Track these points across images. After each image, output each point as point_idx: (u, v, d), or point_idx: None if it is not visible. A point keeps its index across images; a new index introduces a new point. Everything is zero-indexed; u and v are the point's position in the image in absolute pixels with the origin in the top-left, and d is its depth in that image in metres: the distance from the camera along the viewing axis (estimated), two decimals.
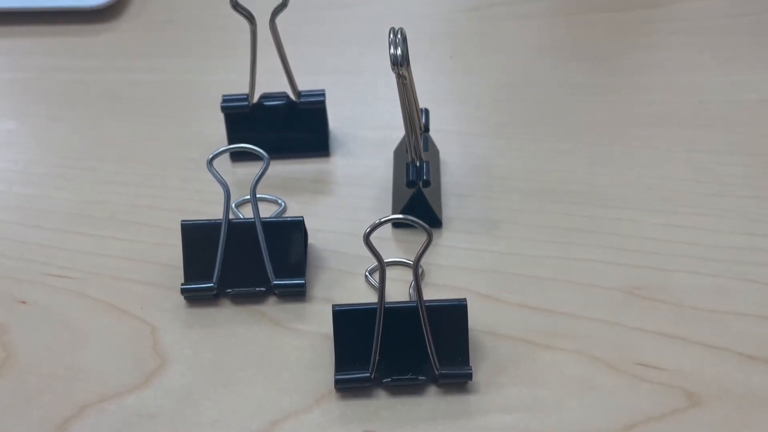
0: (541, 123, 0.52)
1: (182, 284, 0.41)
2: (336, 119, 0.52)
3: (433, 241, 0.34)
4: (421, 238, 0.34)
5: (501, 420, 0.36)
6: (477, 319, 0.39)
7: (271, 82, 0.49)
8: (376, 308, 0.36)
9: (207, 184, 0.45)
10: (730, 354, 0.38)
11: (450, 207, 0.46)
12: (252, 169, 0.49)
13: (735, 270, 0.42)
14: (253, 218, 0.41)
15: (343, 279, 0.43)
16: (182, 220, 0.42)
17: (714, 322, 0.40)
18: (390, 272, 0.41)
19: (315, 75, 0.54)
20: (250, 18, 0.45)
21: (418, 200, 0.44)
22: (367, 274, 0.43)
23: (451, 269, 0.43)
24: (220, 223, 0.41)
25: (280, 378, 0.38)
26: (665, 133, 0.51)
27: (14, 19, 0.63)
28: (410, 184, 0.43)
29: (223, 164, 0.49)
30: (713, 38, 0.59)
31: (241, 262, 0.41)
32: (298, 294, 0.42)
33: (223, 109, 0.49)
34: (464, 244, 0.44)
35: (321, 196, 0.48)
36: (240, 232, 0.41)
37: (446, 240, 0.45)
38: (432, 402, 0.37)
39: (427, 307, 0.36)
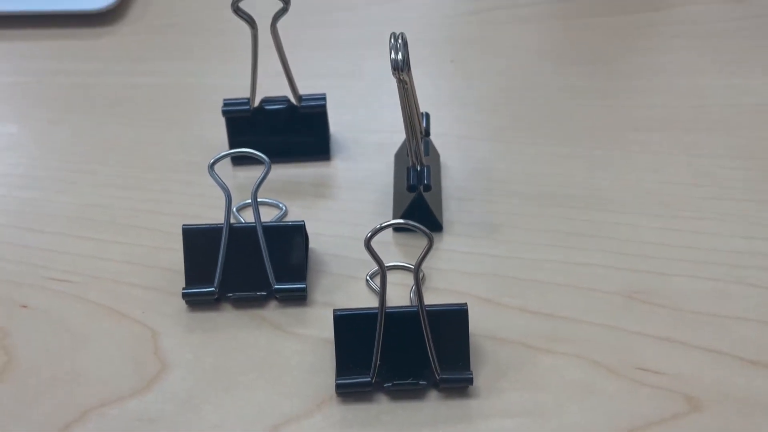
0: (541, 127, 0.52)
1: (183, 288, 0.41)
2: (337, 123, 0.52)
3: (434, 245, 0.34)
4: (421, 242, 0.34)
5: (502, 424, 0.36)
6: (477, 323, 0.39)
7: (272, 85, 0.49)
8: (377, 313, 0.36)
9: (208, 188, 0.45)
10: (730, 358, 0.38)
11: (450, 211, 0.46)
12: (253, 172, 0.49)
13: (735, 274, 0.42)
14: (254, 222, 0.41)
15: (344, 283, 0.43)
16: (183, 225, 0.42)
17: (714, 327, 0.40)
18: (391, 276, 0.41)
19: (316, 79, 0.55)
20: (251, 22, 0.46)
21: (418, 204, 0.44)
22: (368, 278, 0.43)
23: (452, 273, 0.43)
24: (222, 227, 0.41)
25: (281, 382, 0.38)
26: (665, 137, 0.51)
27: (15, 23, 0.63)
28: (411, 188, 0.43)
29: (224, 168, 0.49)
30: (713, 42, 0.59)
31: (242, 266, 0.41)
32: (299, 298, 0.42)
33: (224, 113, 0.49)
34: (465, 248, 0.44)
35: (322, 200, 0.48)
36: (241, 236, 0.42)
37: (447, 244, 0.45)
38: (433, 407, 0.37)
39: (427, 311, 0.36)
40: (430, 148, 0.48)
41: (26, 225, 0.47)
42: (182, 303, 0.41)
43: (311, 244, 0.44)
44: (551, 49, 0.60)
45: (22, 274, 0.44)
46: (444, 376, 0.37)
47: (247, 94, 0.49)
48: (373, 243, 0.34)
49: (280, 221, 0.46)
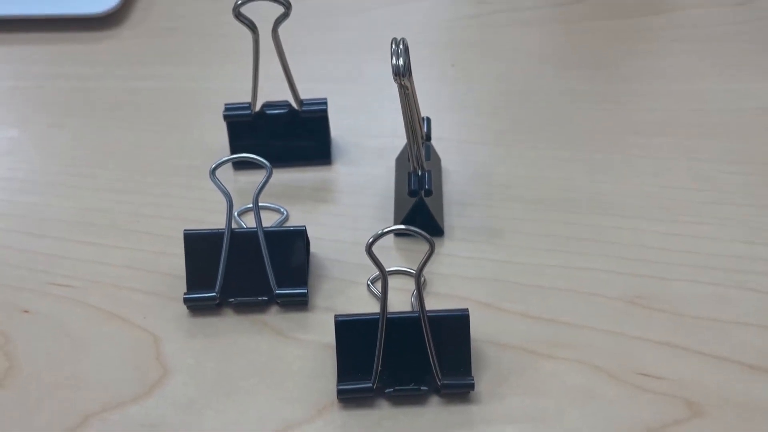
0: (542, 131, 0.52)
1: (185, 294, 0.41)
2: (338, 127, 0.52)
3: (435, 250, 0.34)
4: (422, 247, 0.34)
5: (503, 430, 0.36)
6: (479, 328, 0.39)
7: (273, 89, 0.49)
8: (378, 318, 0.36)
9: (209, 193, 0.45)
10: (731, 364, 0.38)
11: (451, 215, 0.47)
12: (254, 177, 0.49)
13: (735, 279, 0.42)
14: (256, 227, 0.41)
15: (345, 288, 0.43)
16: (185, 230, 0.42)
17: (715, 332, 0.40)
18: (392, 281, 0.41)
19: (316, 83, 0.55)
20: (252, 27, 0.46)
21: (420, 209, 0.44)
22: (369, 283, 0.43)
23: (453, 278, 0.43)
24: (223, 232, 0.41)
25: (283, 388, 0.38)
26: (665, 141, 0.51)
27: (16, 27, 0.63)
28: (412, 193, 0.43)
29: (226, 172, 0.49)
30: (714, 46, 0.59)
31: (243, 271, 0.41)
32: (300, 303, 0.42)
33: (226, 117, 0.49)
34: (466, 252, 0.44)
35: (323, 205, 0.48)
36: (242, 241, 0.42)
37: (448, 249, 0.45)
38: (434, 412, 0.37)
39: (429, 317, 0.36)
40: (431, 153, 0.48)
41: (27, 230, 0.47)
42: (183, 308, 0.42)
43: (312, 249, 0.44)
44: (552, 53, 0.60)
45: (23, 279, 0.44)
46: (445, 382, 0.37)
47: (248, 97, 0.49)
48: (374, 248, 0.34)
49: (282, 226, 0.46)
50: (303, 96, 0.49)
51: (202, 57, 0.61)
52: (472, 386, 0.37)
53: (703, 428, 0.36)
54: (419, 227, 0.35)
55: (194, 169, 0.50)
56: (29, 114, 0.56)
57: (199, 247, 0.42)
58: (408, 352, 0.37)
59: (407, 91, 0.40)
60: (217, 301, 0.41)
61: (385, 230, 0.34)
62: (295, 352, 0.40)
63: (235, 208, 0.44)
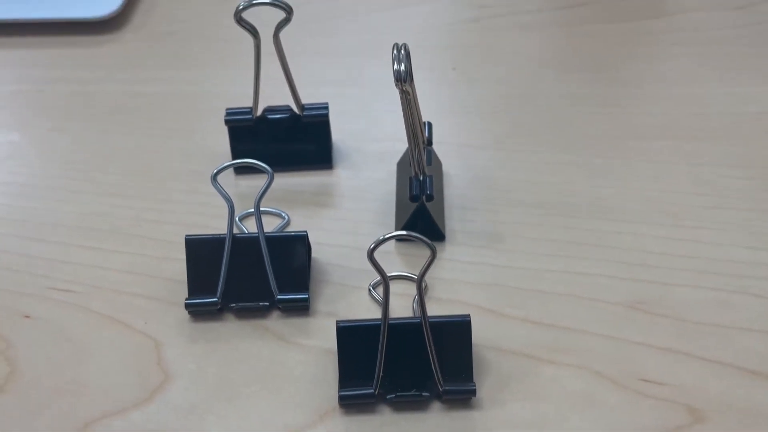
0: (543, 134, 0.52)
1: (186, 299, 0.41)
2: (339, 131, 0.52)
3: (436, 255, 0.34)
4: (424, 252, 0.34)
5: None
6: (480, 333, 0.39)
7: (274, 93, 0.49)
8: (379, 324, 0.36)
9: (210, 197, 0.45)
10: (733, 369, 0.38)
11: (453, 220, 0.47)
12: (255, 181, 0.49)
13: (737, 284, 0.42)
14: (257, 233, 0.41)
15: (347, 293, 0.43)
16: (186, 235, 0.42)
17: (717, 337, 0.40)
18: (393, 286, 0.41)
19: (317, 87, 0.55)
20: (253, 32, 0.46)
21: (421, 214, 0.44)
22: (370, 288, 0.43)
23: (454, 283, 0.43)
24: (224, 238, 0.41)
25: (284, 393, 0.38)
26: (666, 146, 0.51)
27: (17, 31, 0.63)
28: (413, 198, 0.43)
29: (227, 177, 0.49)
30: (714, 49, 0.59)
31: (244, 276, 0.41)
32: (301, 308, 0.42)
33: (227, 122, 0.49)
34: (467, 257, 0.44)
35: (324, 209, 0.48)
36: (244, 246, 0.42)
37: (449, 254, 0.45)
38: (436, 418, 0.37)
39: (430, 323, 0.36)
40: (432, 158, 0.48)
41: (28, 234, 0.47)
42: (185, 313, 0.42)
43: (313, 254, 0.44)
44: (552, 57, 0.60)
45: (24, 284, 0.44)
46: (447, 388, 0.37)
47: (249, 101, 0.49)
48: (376, 253, 0.34)
49: (283, 231, 0.46)
50: (304, 100, 0.49)
51: (204, 61, 0.61)
52: (473, 392, 0.37)
53: None
54: (420, 232, 0.35)
55: (195, 173, 0.50)
56: (30, 118, 0.56)
57: (201, 253, 0.42)
58: (409, 358, 0.37)
59: (409, 97, 0.40)
60: (219, 307, 0.41)
61: (387, 236, 0.34)
62: (296, 357, 0.40)
63: (236, 212, 0.44)
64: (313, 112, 0.49)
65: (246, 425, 0.37)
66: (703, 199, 0.47)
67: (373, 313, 0.42)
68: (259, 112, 0.49)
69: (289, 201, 0.48)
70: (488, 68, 0.59)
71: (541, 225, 0.46)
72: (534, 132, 0.53)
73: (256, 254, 0.41)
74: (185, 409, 0.38)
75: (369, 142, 0.52)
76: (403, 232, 0.35)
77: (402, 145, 0.47)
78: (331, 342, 0.38)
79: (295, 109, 0.49)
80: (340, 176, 0.50)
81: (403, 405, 0.37)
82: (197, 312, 0.41)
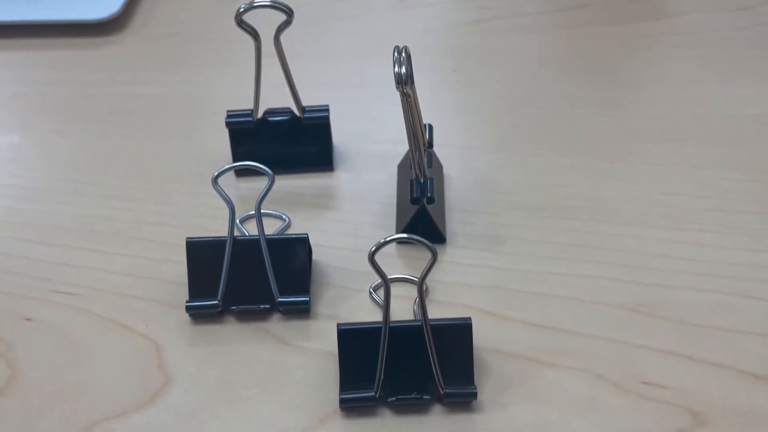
0: (543, 137, 0.52)
1: (187, 302, 0.41)
2: (339, 133, 0.52)
3: (437, 258, 0.34)
4: (424, 254, 0.34)
5: None
6: (481, 336, 0.39)
7: (275, 94, 0.49)
8: (380, 327, 0.36)
9: (211, 199, 0.45)
10: (735, 372, 0.38)
11: (453, 222, 0.46)
12: (256, 183, 0.49)
13: (739, 287, 0.42)
14: (258, 235, 0.41)
15: (348, 295, 0.43)
16: (187, 238, 0.42)
17: (718, 340, 0.40)
18: (394, 289, 0.41)
19: (318, 88, 0.55)
20: (254, 35, 0.46)
21: (422, 217, 0.44)
22: (371, 290, 0.43)
23: (455, 286, 0.43)
24: (225, 240, 0.41)
25: (285, 396, 0.38)
26: (667, 148, 0.51)
27: (17, 32, 0.63)
28: (414, 201, 0.43)
29: (228, 179, 0.49)
30: (715, 51, 0.59)
31: (245, 279, 0.41)
32: (302, 311, 0.42)
33: (228, 124, 0.49)
34: (468, 260, 0.44)
35: (325, 212, 0.48)
36: (245, 249, 0.42)
37: (450, 256, 0.45)
38: (437, 421, 0.37)
39: (431, 326, 0.36)
40: (433, 160, 0.48)
41: (29, 237, 0.47)
42: (186, 316, 0.42)
43: (314, 256, 0.44)
44: (553, 59, 0.60)
45: (26, 286, 0.44)
46: (448, 391, 0.37)
47: (249, 103, 0.49)
48: (377, 256, 0.34)
49: (284, 234, 0.46)
50: (304, 101, 0.49)
51: (204, 62, 0.61)
52: (474, 395, 0.37)
53: None
54: (421, 234, 0.35)
55: (196, 175, 0.50)
56: (31, 120, 0.56)
57: (202, 255, 0.41)
58: (410, 361, 0.37)
59: (410, 100, 0.40)
60: (220, 309, 0.41)
61: (388, 239, 0.34)
62: (297, 360, 0.40)
63: (237, 215, 0.44)
64: (314, 114, 0.49)
65: (247, 428, 0.37)
66: (704, 201, 0.47)
67: (374, 315, 0.42)
68: (259, 114, 0.49)
69: (289, 203, 0.48)
70: (489, 70, 0.59)
71: (542, 228, 0.46)
72: (535, 134, 0.53)
73: (256, 257, 0.41)
74: (186, 412, 0.38)
75: (370, 144, 0.52)
76: (404, 235, 0.35)
77: (403, 147, 0.47)
78: (332, 345, 0.38)
79: (296, 111, 0.49)
80: (341, 178, 0.50)
81: (404, 408, 0.37)
82: (198, 315, 0.41)
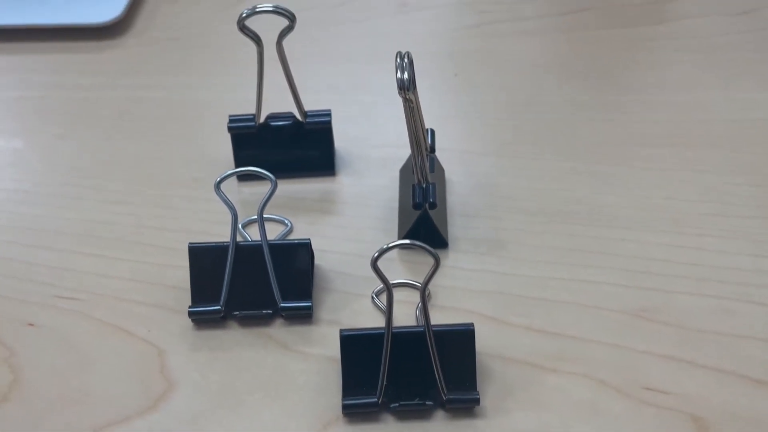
0: (545, 141, 0.52)
1: (189, 307, 0.41)
2: (341, 137, 0.52)
3: (439, 263, 0.34)
4: (427, 259, 0.34)
5: None
6: (483, 341, 0.39)
7: (276, 99, 0.49)
8: (383, 333, 0.36)
9: (213, 204, 0.45)
10: (736, 378, 0.38)
11: (455, 227, 0.46)
12: (258, 188, 0.49)
13: (740, 292, 0.42)
14: (260, 240, 0.41)
15: (350, 300, 0.43)
16: (189, 243, 0.42)
17: (720, 346, 0.40)
18: (396, 293, 0.40)
19: (320, 93, 0.55)
20: (256, 40, 0.46)
21: (424, 222, 0.44)
22: (373, 295, 0.43)
23: (457, 291, 0.43)
24: (228, 245, 0.41)
25: (288, 402, 0.38)
26: (669, 152, 0.51)
27: (19, 36, 0.63)
28: (417, 206, 0.43)
29: (230, 183, 0.49)
30: (717, 55, 0.59)
31: (248, 284, 0.41)
32: (304, 316, 0.42)
33: (230, 129, 0.49)
34: (470, 265, 0.44)
35: (327, 216, 0.48)
36: (247, 254, 0.42)
37: (452, 261, 0.45)
38: (439, 427, 0.37)
39: (434, 332, 0.36)
40: (435, 165, 0.48)
41: (31, 242, 0.47)
42: (188, 321, 0.42)
43: (316, 261, 0.44)
44: (554, 63, 0.60)
45: (28, 291, 0.44)
46: (451, 397, 0.37)
47: (251, 106, 0.49)
48: (379, 261, 0.34)
49: (286, 239, 0.46)
50: (306, 106, 0.49)
51: (206, 66, 0.61)
52: (477, 401, 0.37)
53: None
54: (423, 239, 0.35)
55: (198, 180, 0.50)
56: (33, 124, 0.56)
57: (204, 260, 0.42)
58: (413, 367, 0.37)
59: (412, 105, 0.40)
60: (222, 314, 0.41)
61: (390, 245, 0.34)
62: (299, 365, 0.40)
63: (239, 219, 0.44)
64: (316, 119, 0.49)
65: None
66: (706, 206, 0.47)
67: (376, 320, 0.42)
68: (261, 119, 0.49)
69: (291, 208, 0.48)
70: (490, 74, 0.59)
71: (544, 232, 0.46)
72: (536, 138, 0.53)
73: (259, 262, 0.41)
74: (188, 418, 0.38)
75: (371, 149, 0.52)
76: (407, 241, 0.35)
77: (404, 151, 0.47)
78: (335, 350, 0.38)
79: (298, 116, 0.49)
80: (343, 183, 0.50)
81: (406, 414, 0.37)
82: (200, 320, 0.41)
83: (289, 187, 0.49)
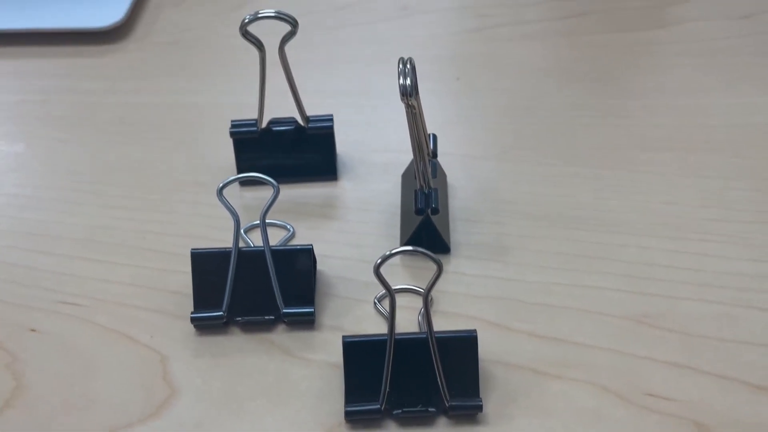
0: (547, 146, 0.52)
1: (192, 313, 0.41)
2: (343, 142, 0.52)
3: (443, 270, 0.34)
4: (429, 264, 0.34)
5: None
6: (486, 347, 0.39)
7: (278, 103, 0.49)
8: (386, 340, 0.36)
9: (215, 209, 0.45)
10: (739, 384, 0.38)
11: (458, 232, 0.46)
12: (260, 193, 0.49)
13: (742, 298, 0.42)
14: (263, 246, 0.41)
15: (352, 306, 0.43)
16: (192, 249, 0.42)
17: (722, 352, 0.40)
18: (399, 299, 0.40)
19: (322, 97, 0.55)
20: (259, 45, 0.46)
21: (426, 228, 0.44)
22: (375, 301, 0.43)
23: (460, 297, 0.43)
24: (230, 251, 0.41)
25: (290, 408, 0.38)
26: (671, 157, 0.51)
27: (20, 40, 0.63)
28: (419, 211, 0.43)
29: (232, 188, 0.48)
30: (719, 59, 0.59)
31: (250, 290, 0.41)
32: (307, 322, 0.42)
33: (232, 134, 0.49)
34: (472, 270, 0.44)
35: (329, 221, 0.48)
36: (249, 260, 0.42)
37: (454, 266, 0.45)
38: None
39: (437, 338, 0.36)
40: (437, 170, 0.48)
41: (34, 247, 0.47)
42: (190, 326, 0.42)
43: (318, 266, 0.44)
44: (556, 66, 0.60)
45: (30, 297, 0.44)
46: (453, 403, 0.37)
47: (252, 110, 0.49)
48: (382, 267, 0.34)
49: (288, 245, 0.46)
50: (308, 109, 0.49)
51: (207, 70, 0.61)
52: (480, 408, 0.37)
53: None
54: (426, 245, 0.35)
55: (200, 184, 0.50)
56: (34, 128, 0.56)
57: (206, 266, 0.42)
58: (416, 374, 0.37)
59: (414, 111, 0.40)
60: (224, 320, 0.41)
61: (393, 252, 0.34)
62: (302, 371, 0.40)
63: (241, 225, 0.44)
64: (318, 124, 0.49)
65: None
66: (708, 211, 0.47)
67: (379, 326, 0.42)
68: (263, 124, 0.49)
69: (293, 213, 0.48)
70: (491, 78, 0.59)
71: (547, 237, 0.46)
72: (538, 143, 0.53)
73: (261, 268, 0.41)
74: (191, 424, 0.38)
75: (374, 153, 0.52)
76: (409, 248, 0.35)
77: (406, 155, 0.47)
78: (337, 356, 0.38)
79: (300, 121, 0.49)
80: (345, 188, 0.50)
81: (409, 420, 0.37)
82: (203, 326, 0.41)
83: (291, 192, 0.49)
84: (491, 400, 0.38)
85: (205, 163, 0.52)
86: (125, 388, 0.39)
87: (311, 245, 0.42)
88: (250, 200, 0.49)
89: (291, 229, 0.47)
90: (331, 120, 0.49)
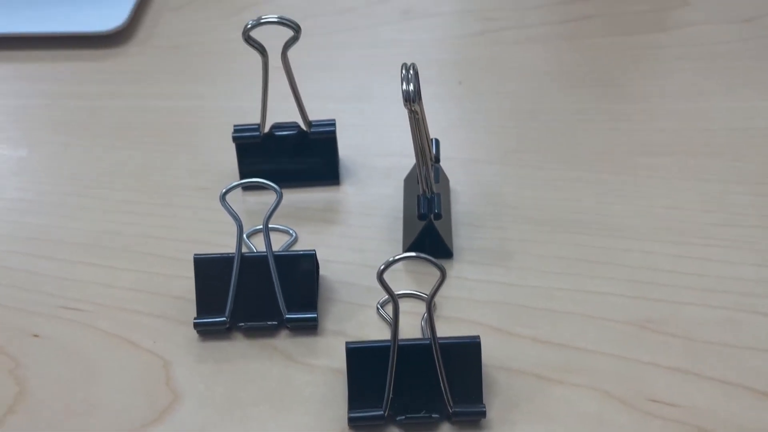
0: (550, 150, 0.52)
1: (195, 318, 0.41)
2: (345, 146, 0.51)
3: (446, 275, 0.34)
4: (432, 270, 0.34)
5: None
6: (489, 353, 0.39)
7: (281, 107, 0.49)
8: (389, 346, 0.36)
9: (218, 214, 0.45)
10: (742, 390, 0.38)
11: (460, 237, 0.46)
12: (263, 197, 0.49)
13: (745, 303, 0.42)
14: (266, 252, 0.41)
15: (355, 311, 0.43)
16: (195, 254, 0.42)
17: (726, 357, 0.40)
18: (402, 304, 0.40)
19: (324, 102, 0.55)
20: (261, 50, 0.46)
21: (429, 233, 0.44)
22: (378, 306, 0.43)
23: (463, 302, 0.43)
24: (233, 256, 0.41)
25: (293, 414, 0.38)
26: (673, 161, 0.51)
27: (23, 45, 0.63)
28: (422, 216, 0.43)
29: (235, 193, 0.48)
30: (720, 63, 0.59)
31: (253, 295, 0.41)
32: (310, 328, 0.42)
33: (235, 139, 0.49)
34: (475, 275, 0.44)
35: (332, 226, 0.48)
36: (252, 265, 0.42)
37: (457, 271, 0.45)
38: None
39: (440, 344, 0.36)
40: (439, 175, 0.48)
41: (36, 252, 0.47)
42: (193, 332, 0.42)
43: (321, 271, 0.44)
44: (558, 70, 0.60)
45: (33, 302, 0.44)
46: (457, 410, 0.37)
47: (254, 114, 0.49)
48: (385, 273, 0.34)
49: (291, 250, 0.46)
50: (310, 114, 0.49)
51: (209, 75, 0.61)
52: (483, 413, 0.37)
53: None
54: (428, 250, 0.35)
55: (203, 189, 0.50)
56: (37, 133, 0.56)
57: (209, 272, 0.42)
58: (419, 380, 0.37)
59: (417, 116, 0.40)
60: (227, 326, 0.41)
61: (396, 258, 0.34)
62: (305, 377, 0.40)
63: (244, 230, 0.44)
64: (321, 129, 0.49)
65: None
66: (710, 216, 0.47)
67: (382, 331, 0.42)
68: (266, 129, 0.49)
69: (296, 217, 0.48)
70: (494, 82, 0.59)
71: (550, 242, 0.46)
72: (541, 147, 0.53)
73: (264, 273, 0.41)
74: (194, 430, 0.38)
75: (376, 158, 0.52)
76: (412, 254, 0.35)
77: (409, 160, 0.47)
78: (340, 362, 0.38)
79: (303, 126, 0.49)
80: (347, 192, 0.50)
81: (412, 427, 0.37)
82: (205, 331, 0.41)
83: (293, 197, 0.49)
84: (494, 406, 0.38)
85: (208, 167, 0.52)
86: (128, 394, 0.39)
87: (314, 250, 0.42)
88: (253, 205, 0.49)
89: (294, 234, 0.47)
90: (334, 125, 0.49)
